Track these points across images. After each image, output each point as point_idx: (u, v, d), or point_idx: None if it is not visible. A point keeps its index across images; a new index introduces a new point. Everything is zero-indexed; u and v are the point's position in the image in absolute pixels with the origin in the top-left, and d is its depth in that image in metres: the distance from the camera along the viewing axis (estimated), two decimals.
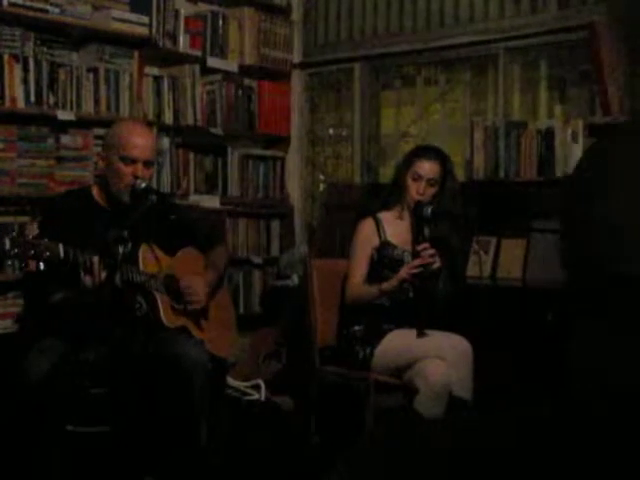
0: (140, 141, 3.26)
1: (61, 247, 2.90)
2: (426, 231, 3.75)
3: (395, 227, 3.83)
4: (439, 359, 3.46)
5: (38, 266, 2.88)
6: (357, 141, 5.44)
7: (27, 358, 2.99)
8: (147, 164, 3.27)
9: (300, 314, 4.24)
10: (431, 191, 3.76)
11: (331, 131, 5.61)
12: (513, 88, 4.86)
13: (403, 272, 3.62)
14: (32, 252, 2.83)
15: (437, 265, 3.65)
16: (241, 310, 5.14)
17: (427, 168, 3.76)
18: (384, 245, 3.79)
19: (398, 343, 3.63)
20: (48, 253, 2.86)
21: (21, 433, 2.97)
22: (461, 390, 3.47)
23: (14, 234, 2.91)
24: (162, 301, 3.26)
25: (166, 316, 3.26)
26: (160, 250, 3.35)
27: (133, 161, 3.23)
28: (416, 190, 3.75)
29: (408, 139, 5.29)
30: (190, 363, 3.09)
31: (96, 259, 2.95)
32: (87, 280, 2.95)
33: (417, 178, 3.75)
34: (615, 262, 1.45)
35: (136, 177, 3.21)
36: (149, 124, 4.66)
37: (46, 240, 2.88)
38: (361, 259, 3.80)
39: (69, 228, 3.09)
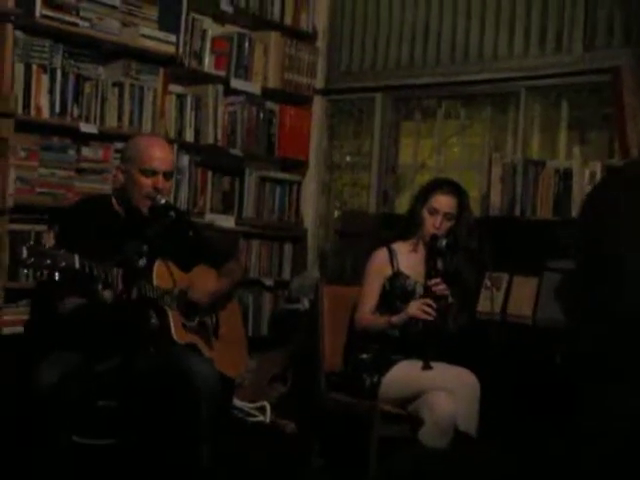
0: (159, 153, 3.28)
1: (77, 258, 2.90)
2: (439, 264, 3.76)
3: (409, 259, 3.84)
4: (446, 392, 3.45)
5: (53, 276, 2.89)
6: (375, 170, 5.47)
7: (38, 369, 3.00)
8: (167, 175, 3.29)
9: (309, 338, 4.25)
10: (447, 225, 3.77)
11: (349, 158, 5.64)
12: (533, 127, 4.89)
13: (414, 309, 3.61)
14: (48, 262, 2.83)
15: (450, 300, 3.66)
16: (250, 332, 5.14)
17: (444, 202, 3.76)
18: (396, 275, 3.79)
19: (405, 374, 3.62)
20: (64, 263, 2.86)
21: (28, 442, 2.98)
22: (466, 424, 3.47)
23: (31, 243, 2.91)
24: (173, 317, 3.27)
25: (177, 332, 3.27)
26: (175, 266, 3.36)
27: (153, 173, 3.24)
28: (432, 224, 3.75)
29: (425, 171, 5.31)
30: (200, 381, 3.10)
31: (115, 272, 2.97)
32: (107, 294, 2.97)
33: (434, 212, 3.75)
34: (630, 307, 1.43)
35: (156, 189, 3.23)
36: (168, 140, 4.71)
37: (62, 250, 2.89)
38: (372, 288, 3.81)
39: (86, 239, 3.10)
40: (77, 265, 2.90)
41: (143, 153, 3.26)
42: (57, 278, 2.87)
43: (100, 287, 2.96)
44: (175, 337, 3.25)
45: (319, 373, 3.91)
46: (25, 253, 2.81)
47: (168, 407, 3.12)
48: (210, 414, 3.12)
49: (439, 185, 3.83)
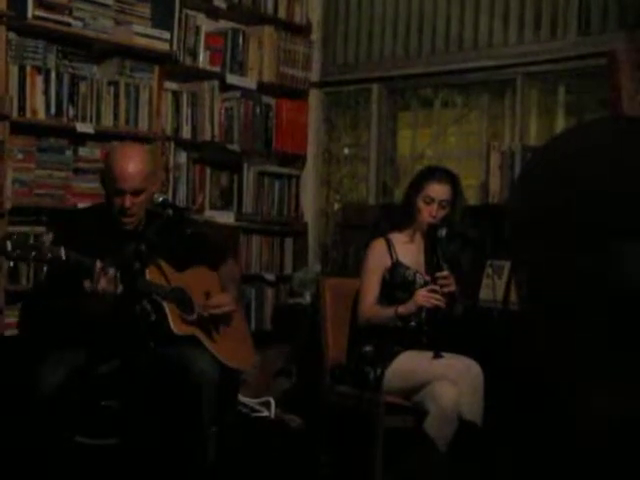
0: (126, 171, 3.18)
1: (62, 250, 2.91)
2: (439, 253, 3.75)
3: (406, 249, 3.83)
4: (449, 382, 3.45)
5: (41, 267, 2.91)
6: (373, 161, 5.46)
7: (41, 369, 3.00)
8: (135, 193, 3.21)
9: (311, 332, 4.24)
10: (443, 213, 3.76)
11: (347, 151, 5.63)
12: (530, 113, 4.87)
13: (421, 299, 3.59)
14: (34, 253, 2.85)
15: (452, 288, 3.66)
16: (252, 327, 5.13)
17: (439, 190, 3.75)
18: (396, 266, 3.79)
19: (409, 365, 3.62)
20: (50, 255, 2.88)
21: (31, 443, 2.98)
22: (471, 413, 3.47)
23: (15, 237, 2.91)
24: (170, 310, 3.25)
25: (175, 324, 3.24)
26: (169, 266, 3.33)
27: (121, 192, 3.20)
28: (429, 213, 3.74)
29: (424, 161, 5.29)
30: (201, 376, 3.09)
31: (98, 263, 2.97)
32: (87, 285, 2.96)
33: (429, 201, 3.74)
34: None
35: (123, 208, 3.20)
36: (165, 138, 4.70)
37: (48, 243, 2.93)
38: (373, 280, 3.80)
39: (85, 240, 3.10)
40: (63, 256, 2.91)
41: (111, 171, 3.21)
42: (45, 270, 2.91)
43: (86, 280, 2.96)
44: (173, 328, 3.23)
45: (323, 367, 3.91)
46: (9, 246, 2.83)
47: (170, 403, 3.12)
48: (211, 407, 3.11)
49: (432, 174, 3.81)
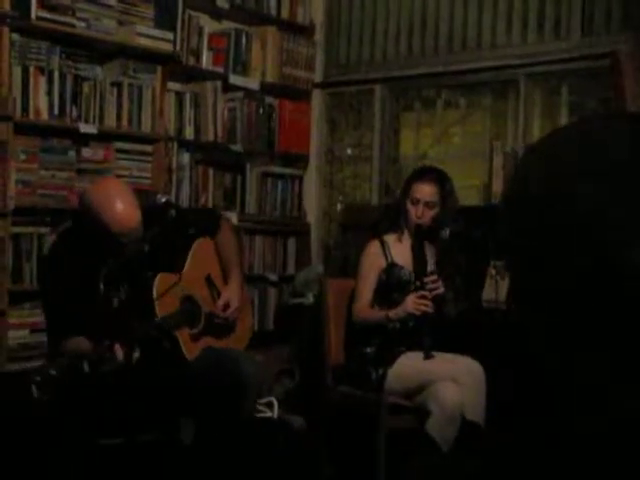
0: (128, 230, 3.01)
1: (85, 364, 2.80)
2: (429, 255, 3.79)
3: (400, 249, 3.85)
4: (452, 382, 3.46)
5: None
6: (376, 162, 5.46)
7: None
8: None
9: (314, 333, 4.25)
10: (430, 213, 3.77)
11: (350, 151, 5.63)
12: (533, 114, 4.87)
13: (411, 306, 3.61)
14: (60, 388, 2.69)
15: (441, 291, 3.67)
16: (255, 327, 5.12)
17: (424, 191, 3.77)
18: (391, 267, 3.80)
19: (411, 365, 3.63)
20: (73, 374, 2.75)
21: (42, 444, 2.98)
22: (474, 414, 3.47)
23: (38, 379, 2.64)
24: (182, 338, 3.22)
25: (188, 351, 3.23)
26: (171, 273, 3.28)
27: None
28: (415, 213, 3.76)
29: (427, 161, 5.29)
30: (243, 375, 3.11)
31: (118, 355, 2.89)
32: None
33: (415, 202, 3.77)
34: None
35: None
36: (168, 138, 4.70)
37: (67, 360, 2.76)
38: (368, 281, 3.82)
39: (88, 244, 3.09)
40: (86, 368, 2.81)
41: (107, 226, 2.98)
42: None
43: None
44: (187, 357, 3.22)
45: (325, 367, 3.92)
46: (36, 392, 2.62)
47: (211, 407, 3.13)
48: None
49: (419, 175, 3.86)
